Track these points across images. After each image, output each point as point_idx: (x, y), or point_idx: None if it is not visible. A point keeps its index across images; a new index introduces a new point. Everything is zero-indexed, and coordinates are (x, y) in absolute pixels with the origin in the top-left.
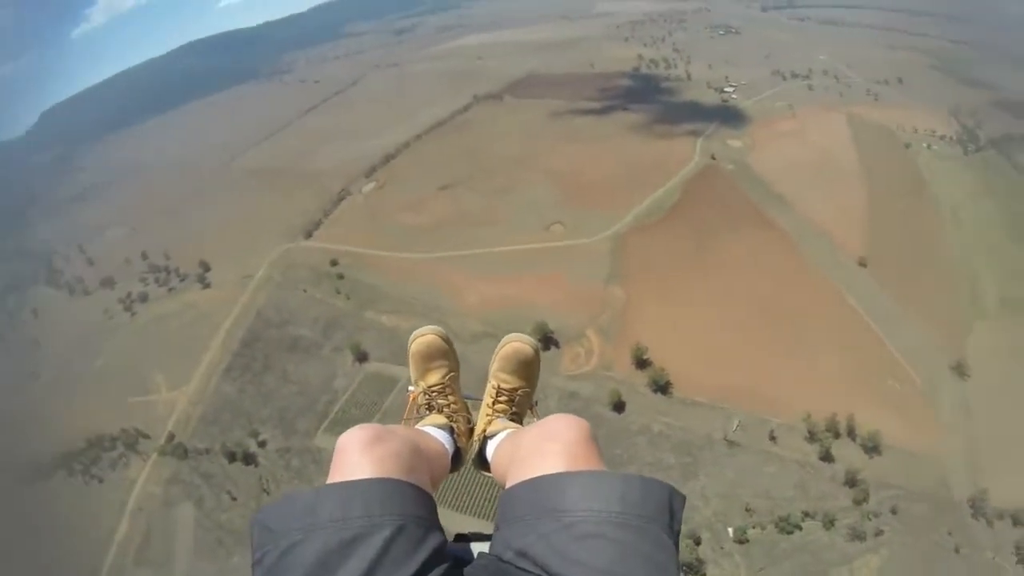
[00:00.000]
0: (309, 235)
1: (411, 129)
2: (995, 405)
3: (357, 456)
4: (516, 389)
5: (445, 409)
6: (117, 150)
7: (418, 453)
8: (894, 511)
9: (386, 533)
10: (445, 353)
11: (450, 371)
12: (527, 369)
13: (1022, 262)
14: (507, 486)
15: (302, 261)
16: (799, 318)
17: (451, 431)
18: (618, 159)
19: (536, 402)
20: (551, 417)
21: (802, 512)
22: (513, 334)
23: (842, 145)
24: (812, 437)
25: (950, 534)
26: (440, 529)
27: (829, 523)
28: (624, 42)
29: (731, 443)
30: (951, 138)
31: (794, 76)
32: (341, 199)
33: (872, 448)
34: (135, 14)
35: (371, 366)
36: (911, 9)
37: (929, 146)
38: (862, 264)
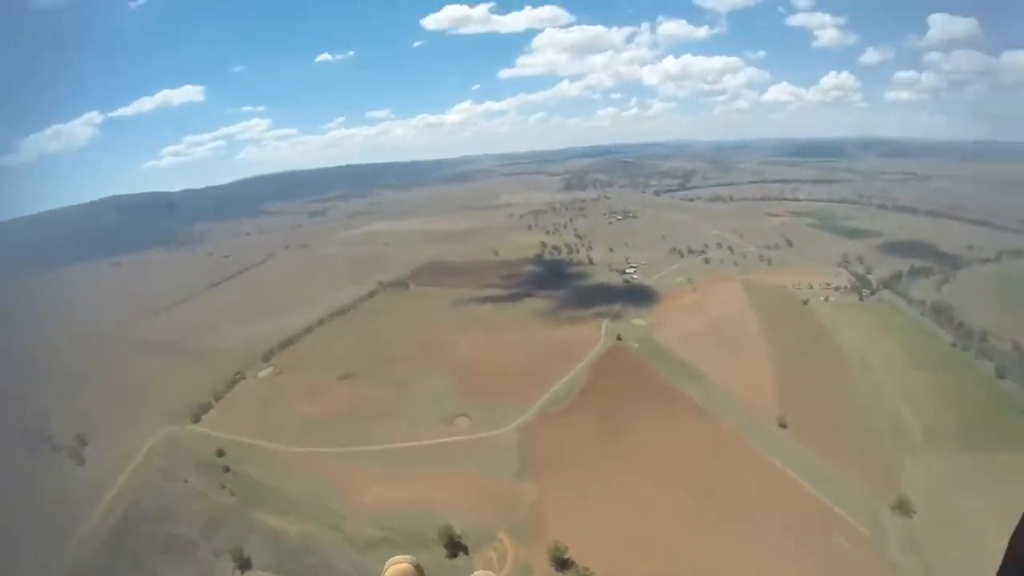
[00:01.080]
0: (197, 419)
1: (314, 313)
2: (945, 534)
3: None
4: None
5: None
6: (13, 297)
7: None
8: None
9: None
10: None
11: None
12: None
13: (931, 388)
14: None
15: (187, 447)
16: (727, 490)
17: None
18: (523, 346)
19: None
20: None
21: None
22: (394, 557)
23: (742, 311)
24: None
25: None
26: None
27: None
28: (527, 230)
29: None
30: (846, 287)
31: (690, 252)
32: (235, 382)
33: None
34: (64, 158)
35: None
36: (782, 179)
37: (826, 299)
38: (782, 425)
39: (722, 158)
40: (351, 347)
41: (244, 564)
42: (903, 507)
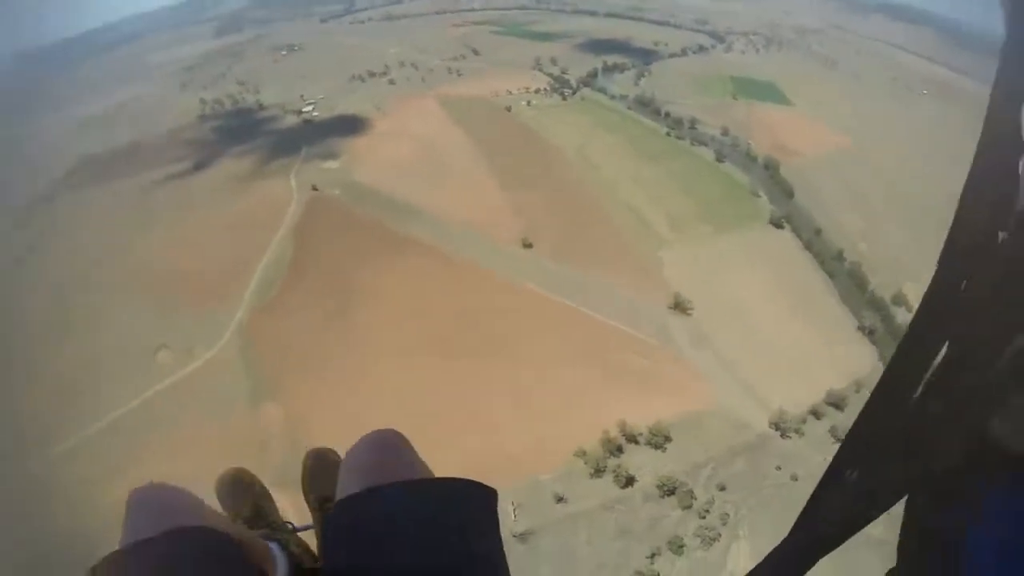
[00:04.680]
0: None
1: None
2: (726, 320)
3: (153, 510)
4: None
5: None
6: None
7: (208, 510)
8: (721, 487)
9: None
10: None
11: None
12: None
13: (661, 177)
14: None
15: None
16: (493, 336)
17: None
18: (211, 229)
19: None
20: None
21: (648, 558)
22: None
23: (445, 129)
24: (597, 471)
25: (779, 468)
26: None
27: (679, 549)
28: (183, 89)
29: (523, 535)
30: (545, 90)
31: (372, 76)
32: None
33: (663, 440)
34: None
35: None
36: None
37: (529, 103)
38: (526, 245)
39: None
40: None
41: None
42: (680, 306)
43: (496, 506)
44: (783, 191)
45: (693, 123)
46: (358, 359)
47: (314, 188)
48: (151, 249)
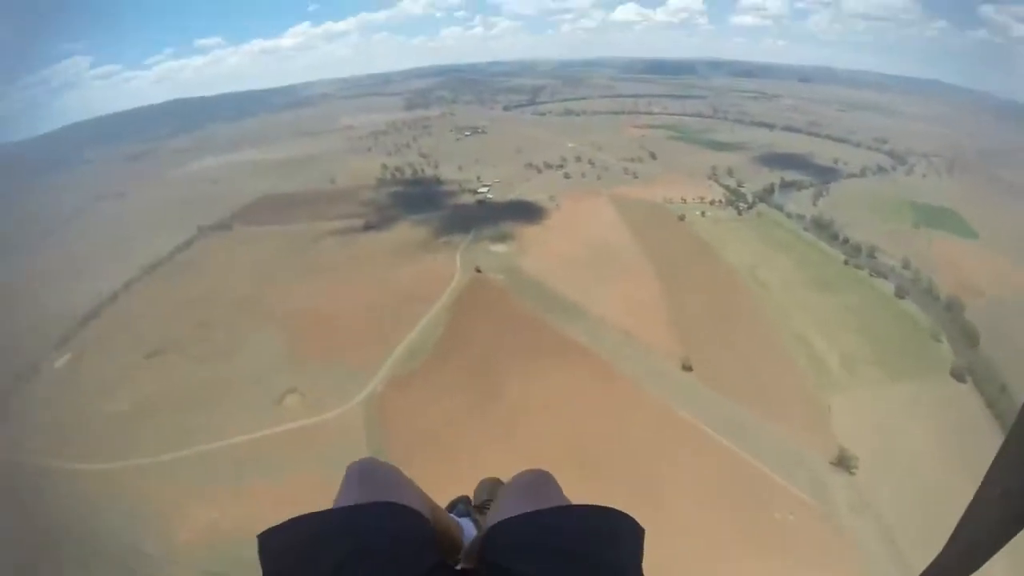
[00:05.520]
0: None
1: (122, 274)
2: (893, 486)
3: (365, 482)
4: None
5: None
6: None
7: (416, 490)
8: None
9: (387, 547)
10: None
11: None
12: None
13: (836, 310)
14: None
15: None
16: (637, 465)
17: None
18: (366, 289)
19: None
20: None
21: None
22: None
23: (615, 230)
24: None
25: None
26: (437, 551)
27: None
28: (367, 153)
29: None
30: (720, 201)
31: (548, 167)
32: (28, 381)
33: None
34: None
35: None
36: (635, 93)
37: (703, 214)
38: (686, 367)
39: (571, 75)
40: (161, 313)
41: None
42: (843, 461)
43: (642, 535)
44: (967, 337)
45: (872, 251)
46: (488, 457)
47: (477, 270)
48: (307, 295)
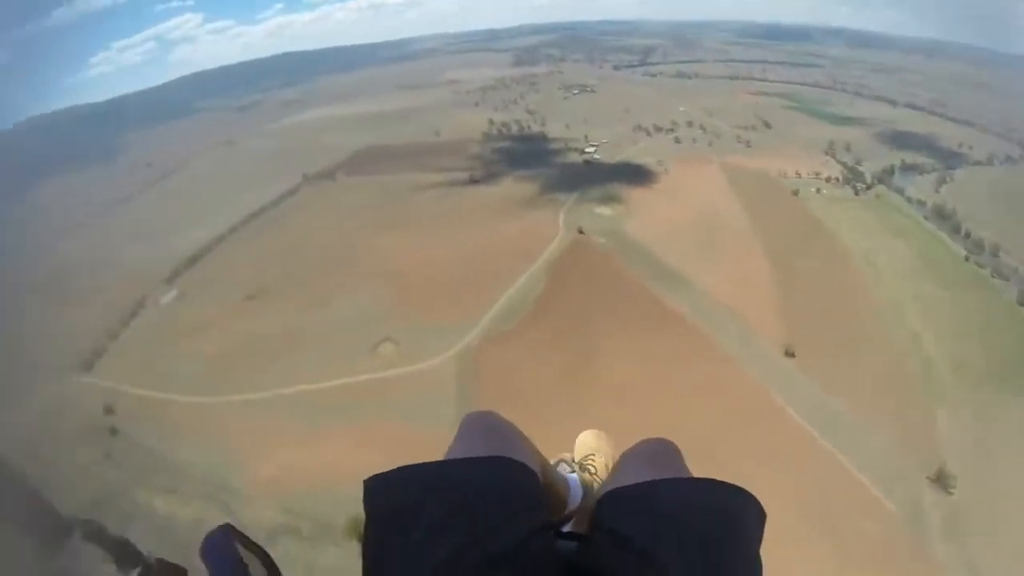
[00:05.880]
0: (89, 367)
1: (228, 219)
2: (992, 514)
3: (480, 435)
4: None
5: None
6: None
7: (531, 447)
8: None
9: (501, 502)
10: None
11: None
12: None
13: (952, 309)
14: (602, 493)
15: (73, 406)
16: (725, 444)
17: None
18: (465, 244)
19: None
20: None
21: None
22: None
23: (726, 200)
24: None
25: None
26: (546, 509)
27: None
28: (474, 107)
29: None
30: (837, 179)
31: (657, 130)
32: (134, 314)
33: None
34: None
35: None
36: (750, 59)
37: (819, 190)
38: (789, 353)
39: (683, 36)
40: (263, 257)
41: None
42: (942, 479)
43: (764, 520)
44: None
45: (996, 250)
46: (577, 419)
47: (580, 231)
48: (408, 246)
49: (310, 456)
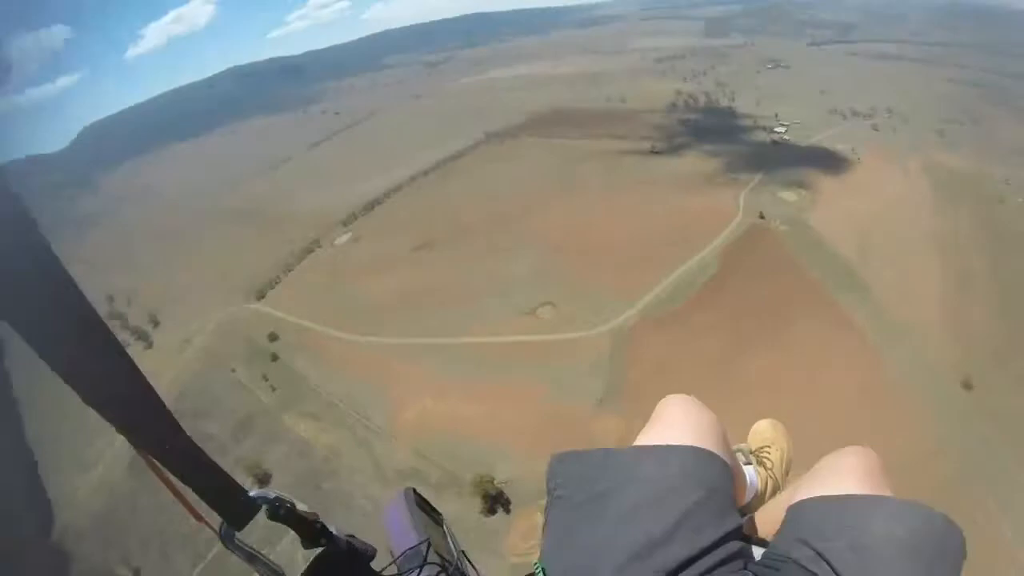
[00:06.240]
0: (262, 295)
1: (407, 170)
2: None
3: (678, 422)
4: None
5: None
6: (130, 176)
7: (726, 439)
8: None
9: (695, 497)
10: None
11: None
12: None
13: None
14: (795, 500)
15: (243, 329)
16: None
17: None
18: (640, 216)
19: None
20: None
21: None
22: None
23: (923, 201)
24: None
25: None
26: (738, 511)
27: None
28: (661, 76)
29: None
30: None
31: (855, 115)
32: (310, 251)
33: None
34: (189, 38)
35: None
36: (957, 42)
37: None
38: (966, 386)
39: (886, 14)
40: (436, 210)
41: (261, 479)
42: None
43: (964, 556)
44: None
45: None
46: (723, 414)
47: (760, 215)
48: (580, 211)
49: (452, 407)
